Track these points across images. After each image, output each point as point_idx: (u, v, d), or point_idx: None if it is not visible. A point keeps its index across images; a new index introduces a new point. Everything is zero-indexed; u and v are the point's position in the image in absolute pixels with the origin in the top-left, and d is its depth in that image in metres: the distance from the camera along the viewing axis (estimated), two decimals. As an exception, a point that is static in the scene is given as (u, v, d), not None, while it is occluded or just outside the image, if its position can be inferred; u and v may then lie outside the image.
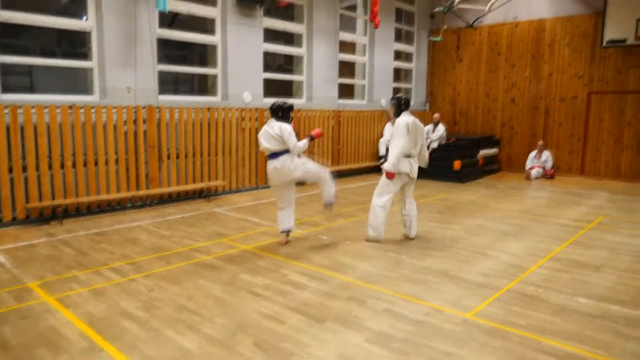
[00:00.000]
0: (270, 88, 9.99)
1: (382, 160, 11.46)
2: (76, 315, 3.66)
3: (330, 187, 5.60)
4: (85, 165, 6.79)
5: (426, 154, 5.80)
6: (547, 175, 11.17)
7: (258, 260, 5.04)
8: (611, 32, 10.29)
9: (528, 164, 11.47)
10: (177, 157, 7.86)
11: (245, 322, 3.57)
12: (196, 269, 4.75)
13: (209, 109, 8.19)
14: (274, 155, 5.28)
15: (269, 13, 9.43)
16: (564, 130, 11.51)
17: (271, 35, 9.63)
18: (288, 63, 10.83)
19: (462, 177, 10.42)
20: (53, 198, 6.54)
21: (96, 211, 7.01)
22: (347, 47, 11.59)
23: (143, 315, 3.67)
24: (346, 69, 11.89)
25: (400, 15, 12.76)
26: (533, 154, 11.53)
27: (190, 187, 7.93)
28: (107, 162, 7.00)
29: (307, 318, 3.64)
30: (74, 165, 6.69)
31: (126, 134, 7.19)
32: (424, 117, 13.13)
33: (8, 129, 6.09)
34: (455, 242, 5.78)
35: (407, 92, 13.63)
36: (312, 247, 5.53)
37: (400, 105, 5.57)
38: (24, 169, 6.29)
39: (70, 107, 6.58)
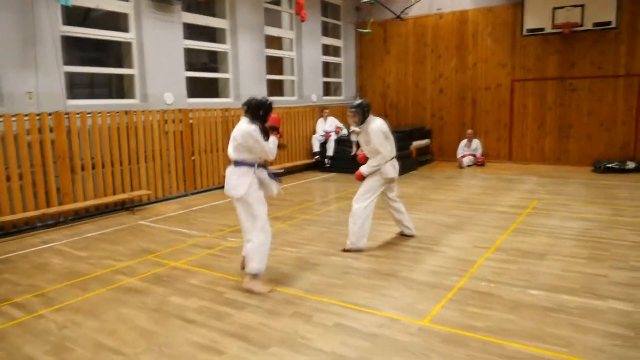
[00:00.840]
0: (195, 88, 9.39)
1: (316, 157, 11.19)
2: (-35, 371, 3.01)
3: (255, 259, 4.12)
4: (-19, 183, 5.91)
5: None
6: (478, 163, 11.38)
7: (190, 278, 4.52)
8: (530, 22, 10.60)
9: (459, 153, 11.64)
10: (93, 167, 7.07)
11: (177, 357, 3.09)
12: (118, 295, 4.16)
13: (126, 112, 7.46)
14: (234, 163, 4.22)
15: (189, 8, 8.80)
16: (491, 117, 11.78)
17: (195, 31, 9.01)
18: (213, 61, 10.23)
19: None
20: (-58, 224, 5.62)
21: (1, 234, 6.14)
22: (274, 42, 11.16)
23: (52, 361, 3.08)
24: (275, 65, 11.48)
25: (326, 8, 12.50)
26: (463, 142, 11.72)
27: (111, 199, 7.17)
28: (8, 178, 6.14)
29: (249, 344, 3.22)
30: (-34, 185, 5.80)
31: (30, 145, 6.34)
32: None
33: None
34: (398, 240, 5.56)
35: (336, 87, 13.44)
36: (249, 258, 5.08)
37: (365, 112, 5.16)
38: None
39: (-42, 118, 5.68)
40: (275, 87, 11.40)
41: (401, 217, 5.61)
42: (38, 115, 6.40)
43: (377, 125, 5.13)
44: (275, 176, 4.34)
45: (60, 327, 3.57)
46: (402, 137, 11.03)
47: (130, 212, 7.35)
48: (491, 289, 4.03)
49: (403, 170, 10.47)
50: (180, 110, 8.28)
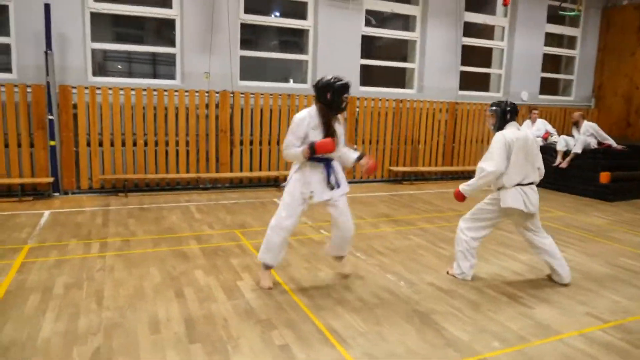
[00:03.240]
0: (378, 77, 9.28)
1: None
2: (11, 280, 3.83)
3: (262, 247, 3.89)
4: (156, 145, 7.23)
5: (542, 170, 4.17)
6: None
7: (233, 258, 4.61)
8: None
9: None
10: (251, 143, 7.81)
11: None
12: (167, 256, 4.57)
13: (289, 95, 7.93)
14: None
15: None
16: None
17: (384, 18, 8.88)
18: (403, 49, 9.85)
19: (610, 193, 8.07)
20: (125, 172, 7.13)
21: (167, 188, 7.42)
22: (485, 31, 10.01)
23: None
24: (484, 56, 10.31)
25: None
26: None
27: (263, 174, 7.83)
28: (177, 144, 7.34)
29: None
30: (145, 144, 7.18)
31: (198, 118, 7.40)
32: (588, 116, 10.61)
33: (89, 108, 6.82)
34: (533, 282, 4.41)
35: (566, 85, 11.19)
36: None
37: (505, 113, 4.06)
38: (100, 144, 6.97)
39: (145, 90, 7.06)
40: (478, 81, 10.24)
41: (547, 258, 4.20)
42: (207, 92, 7.40)
43: (504, 133, 3.96)
44: (335, 181, 3.81)
45: (98, 269, 4.17)
46: (633, 153, 8.57)
47: (278, 188, 7.86)
48: None
49: (626, 196, 8.14)
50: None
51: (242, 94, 7.60)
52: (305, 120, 3.64)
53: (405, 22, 9.32)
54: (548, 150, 9.18)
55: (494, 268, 4.61)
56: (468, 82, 10.01)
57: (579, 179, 8.44)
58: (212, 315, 3.41)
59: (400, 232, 5.71)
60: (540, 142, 9.35)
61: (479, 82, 10.27)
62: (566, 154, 8.74)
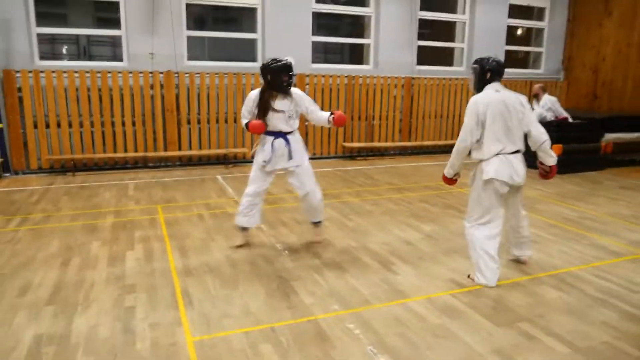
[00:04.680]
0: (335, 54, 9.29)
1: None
2: None
3: (237, 212, 4.34)
4: (103, 126, 7.46)
5: (538, 133, 3.65)
6: None
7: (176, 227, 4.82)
8: None
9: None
10: (199, 122, 7.97)
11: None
12: (78, 231, 4.81)
13: (235, 74, 8.04)
14: None
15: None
16: None
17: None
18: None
19: (560, 166, 7.95)
20: (73, 153, 7.38)
21: (117, 167, 7.66)
22: (449, 4, 9.89)
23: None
24: (448, 30, 10.20)
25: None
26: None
27: (212, 152, 8.00)
28: (124, 124, 7.55)
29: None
30: (92, 125, 7.41)
31: (143, 98, 7.57)
32: (557, 89, 10.47)
33: (33, 91, 7.05)
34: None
35: (535, 57, 11.01)
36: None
37: (484, 72, 3.58)
38: (47, 126, 7.22)
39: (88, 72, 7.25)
40: (442, 55, 10.16)
41: (518, 237, 3.96)
42: (151, 73, 7.56)
43: (476, 98, 3.56)
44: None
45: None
46: (587, 125, 8.51)
47: (225, 166, 8.02)
48: None
49: (576, 168, 8.11)
50: (306, 75, 8.37)
51: (186, 73, 7.73)
52: (252, 98, 4.12)
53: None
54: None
55: (389, 237, 4.73)
56: (432, 56, 9.94)
57: (533, 151, 8.37)
58: (82, 281, 3.63)
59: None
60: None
61: (442, 57, 10.19)
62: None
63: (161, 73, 7.59)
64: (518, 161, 3.58)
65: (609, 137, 8.60)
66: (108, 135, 7.49)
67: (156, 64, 7.58)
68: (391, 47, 9.13)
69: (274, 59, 4.01)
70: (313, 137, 8.65)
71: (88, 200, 5.97)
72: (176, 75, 7.68)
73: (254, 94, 4.12)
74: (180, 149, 7.90)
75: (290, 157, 4.17)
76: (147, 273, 3.80)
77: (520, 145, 3.60)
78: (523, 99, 3.63)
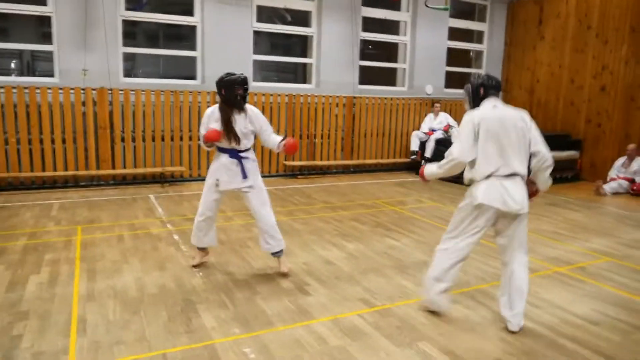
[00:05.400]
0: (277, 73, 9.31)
1: (412, 157, 9.78)
2: None
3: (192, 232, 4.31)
4: (30, 144, 7.17)
5: (546, 154, 3.21)
6: (633, 191, 8.13)
7: (55, 252, 4.60)
8: None
9: (612, 174, 8.55)
10: (133, 140, 7.78)
11: None
12: (-20, 253, 4.55)
13: (173, 92, 7.92)
14: None
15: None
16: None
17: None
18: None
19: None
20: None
21: (46, 186, 7.35)
22: (393, 26, 10.11)
23: None
24: (387, 50, 10.41)
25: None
26: (620, 161, 8.55)
27: (148, 170, 7.81)
28: (53, 141, 7.28)
29: None
30: (18, 143, 7.12)
31: (74, 115, 7.35)
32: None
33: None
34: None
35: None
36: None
37: (477, 88, 3.31)
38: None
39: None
40: (386, 76, 10.34)
41: (509, 290, 3.29)
42: (83, 89, 7.35)
43: (473, 112, 3.25)
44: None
45: None
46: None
47: (160, 185, 7.84)
48: None
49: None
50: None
51: (121, 90, 7.57)
52: (208, 114, 4.03)
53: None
54: (444, 143, 9.36)
55: (311, 257, 4.69)
56: (376, 77, 10.11)
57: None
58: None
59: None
60: (437, 134, 9.54)
61: (386, 77, 10.37)
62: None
63: (94, 90, 7.39)
64: (515, 185, 3.14)
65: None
66: (36, 153, 7.19)
67: (90, 80, 7.38)
68: (333, 67, 9.23)
69: (228, 73, 3.97)
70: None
71: (4, 221, 5.68)
72: (110, 92, 7.49)
73: (209, 111, 4.05)
74: (113, 167, 7.67)
75: (244, 177, 4.04)
76: (46, 298, 3.61)
77: (519, 168, 3.15)
78: (526, 115, 3.28)
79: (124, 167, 7.75)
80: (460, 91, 10.68)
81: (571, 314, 3.59)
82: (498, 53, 11.13)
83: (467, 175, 3.33)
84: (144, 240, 5.06)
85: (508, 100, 10.97)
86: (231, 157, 4.02)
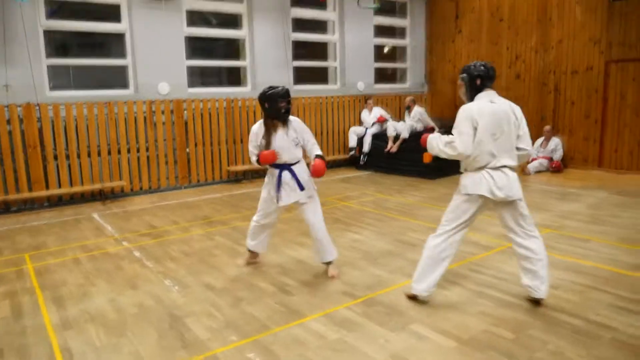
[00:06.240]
0: (216, 76, 9.15)
1: (351, 153, 10.07)
2: None
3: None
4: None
5: (529, 149, 3.48)
6: (552, 169, 8.96)
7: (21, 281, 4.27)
8: (624, -20, 7.82)
9: (532, 154, 9.34)
10: (67, 157, 7.34)
11: None
12: None
13: (106, 103, 7.56)
14: None
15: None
16: (578, 110, 9.13)
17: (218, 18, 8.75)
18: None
19: (432, 172, 8.69)
20: None
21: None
22: (320, 25, 10.30)
23: None
24: (321, 50, 10.60)
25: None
26: (539, 142, 9.34)
27: (87, 188, 7.40)
28: (-23, 165, 6.70)
29: None
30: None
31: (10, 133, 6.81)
32: (423, 101, 11.37)
33: None
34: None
35: (402, 72, 11.90)
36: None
37: (473, 79, 3.40)
38: None
39: None
40: (319, 74, 10.52)
41: (529, 265, 3.43)
42: (6, 106, 6.82)
43: (470, 105, 3.38)
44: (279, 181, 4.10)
45: None
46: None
47: (101, 202, 7.47)
48: None
49: (446, 173, 8.85)
50: (172, 101, 8.12)
51: (50, 105, 7.10)
52: (255, 131, 4.08)
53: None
54: (380, 137, 9.74)
55: (282, 258, 4.73)
56: (309, 76, 10.25)
57: (407, 161, 9.01)
58: None
59: (208, 233, 5.67)
60: (373, 129, 9.88)
61: (318, 76, 10.56)
62: (396, 138, 9.30)
63: (19, 106, 6.88)
64: (503, 175, 3.32)
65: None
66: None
67: (14, 96, 6.85)
68: (268, 68, 9.25)
69: (270, 87, 4.01)
70: (195, 162, 8.42)
71: None
72: (37, 107, 7.01)
73: (256, 127, 4.08)
74: (47, 188, 7.19)
75: (301, 189, 4.07)
76: (17, 332, 3.38)
77: (508, 162, 3.34)
78: (517, 110, 3.43)
79: (59, 187, 7.28)
80: (389, 86, 11.27)
81: (533, 282, 3.95)
82: (420, 47, 11.71)
83: (461, 165, 3.52)
84: (103, 261, 4.83)
85: (433, 92, 11.64)
86: (283, 170, 4.05)
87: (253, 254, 4.55)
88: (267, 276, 4.28)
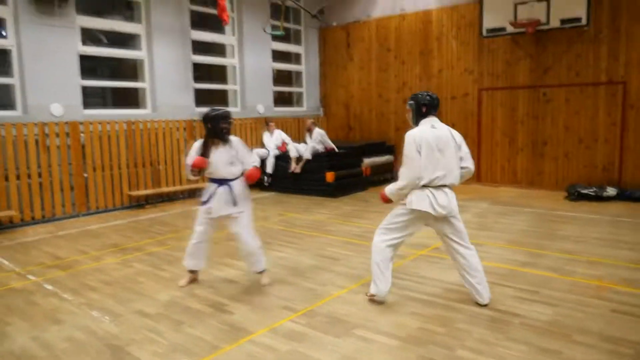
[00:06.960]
0: (113, 98, 8.73)
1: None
2: None
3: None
4: None
5: (472, 169, 3.98)
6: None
7: None
8: (490, 20, 9.13)
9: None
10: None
11: None
12: None
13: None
14: None
15: (86, 12, 8.12)
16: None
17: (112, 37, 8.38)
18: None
19: (335, 190, 9.17)
20: None
21: None
22: (219, 48, 10.36)
23: None
24: (221, 74, 10.65)
25: (281, 11, 11.53)
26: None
27: (-34, 220, 6.61)
28: None
29: None
30: None
31: None
32: (319, 123, 11.89)
33: None
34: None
35: (298, 96, 12.40)
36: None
37: (420, 107, 3.82)
38: None
39: None
40: (218, 97, 10.55)
41: (468, 275, 3.89)
42: None
43: (413, 133, 3.75)
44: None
45: None
46: (350, 153, 9.94)
47: (-14, 235, 6.73)
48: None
49: (348, 191, 9.42)
50: (67, 123, 7.61)
51: None
52: (196, 147, 4.38)
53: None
54: (283, 158, 10.02)
55: (211, 279, 4.73)
56: (210, 98, 10.22)
57: (311, 181, 9.39)
58: None
59: (125, 261, 5.43)
60: (274, 151, 10.13)
61: (219, 98, 10.58)
62: (299, 159, 9.64)
63: None
64: (443, 194, 3.70)
65: (367, 161, 10.23)
66: None
67: None
68: (168, 90, 9.08)
69: (213, 109, 4.40)
70: (94, 188, 7.93)
71: None
72: None
73: (197, 143, 4.40)
74: None
75: (234, 204, 4.34)
76: None
77: (449, 181, 3.73)
78: (457, 135, 3.86)
79: None
80: (287, 109, 11.67)
81: (446, 282, 4.46)
82: (315, 72, 12.31)
83: None
84: (10, 297, 4.41)
85: (328, 115, 12.27)
86: (221, 185, 4.34)
87: (194, 273, 4.67)
88: (201, 298, 4.26)
